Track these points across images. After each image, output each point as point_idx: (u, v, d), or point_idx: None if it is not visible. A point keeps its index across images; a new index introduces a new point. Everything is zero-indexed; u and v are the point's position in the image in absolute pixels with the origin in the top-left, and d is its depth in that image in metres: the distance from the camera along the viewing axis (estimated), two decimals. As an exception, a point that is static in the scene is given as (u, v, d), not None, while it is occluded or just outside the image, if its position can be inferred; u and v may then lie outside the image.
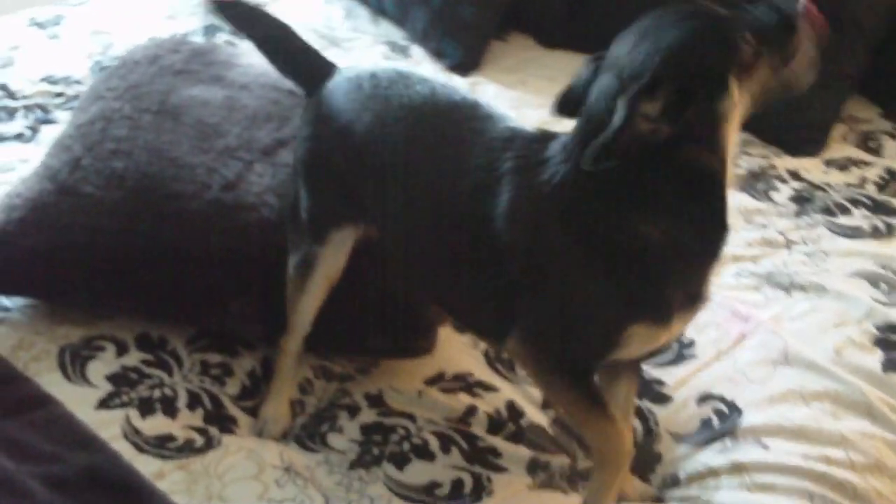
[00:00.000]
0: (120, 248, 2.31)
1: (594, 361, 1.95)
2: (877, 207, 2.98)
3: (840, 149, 3.25)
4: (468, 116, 2.04)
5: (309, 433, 2.23)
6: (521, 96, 3.25)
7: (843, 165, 3.17)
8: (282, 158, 2.41)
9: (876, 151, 3.24)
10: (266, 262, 2.28)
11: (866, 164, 3.18)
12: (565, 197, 1.83)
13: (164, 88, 2.56)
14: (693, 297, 1.88)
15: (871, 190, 3.06)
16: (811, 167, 3.14)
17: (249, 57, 2.70)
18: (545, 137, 1.93)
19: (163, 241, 2.31)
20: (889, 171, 3.13)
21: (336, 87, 2.20)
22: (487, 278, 1.95)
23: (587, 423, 1.98)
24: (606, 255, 1.82)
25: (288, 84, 2.48)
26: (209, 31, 3.43)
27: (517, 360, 2.16)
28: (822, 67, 3.08)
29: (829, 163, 3.18)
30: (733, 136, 1.80)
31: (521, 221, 1.88)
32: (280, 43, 2.34)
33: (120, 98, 2.54)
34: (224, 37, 3.38)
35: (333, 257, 2.21)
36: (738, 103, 1.78)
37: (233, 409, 2.26)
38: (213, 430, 2.20)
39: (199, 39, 3.30)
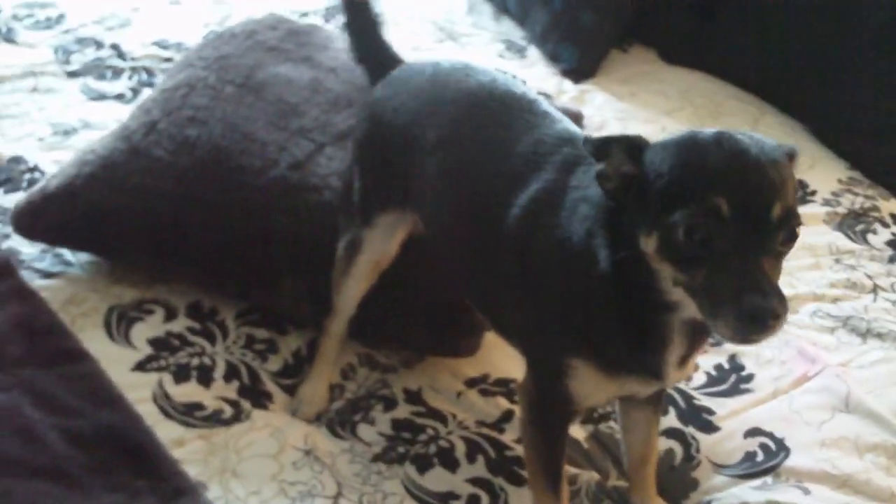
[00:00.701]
0: (182, 213, 2.34)
1: (562, 403, 1.87)
2: None
3: None
4: (525, 109, 1.99)
5: (341, 420, 2.22)
6: (628, 108, 3.20)
7: None
8: (354, 144, 2.40)
9: None
10: (323, 243, 2.27)
11: None
12: (567, 211, 1.77)
13: (253, 63, 2.58)
14: (645, 366, 1.79)
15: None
16: None
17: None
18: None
19: (224, 212, 2.33)
20: None
21: (398, 73, 2.21)
22: (500, 277, 1.91)
23: (535, 488, 1.98)
24: (566, 284, 1.77)
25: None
26: (329, 13, 3.44)
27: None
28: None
29: None
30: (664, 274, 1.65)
31: (528, 219, 1.83)
32: (363, 31, 2.34)
33: (208, 68, 2.57)
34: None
35: (381, 241, 2.19)
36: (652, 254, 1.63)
37: (270, 385, 2.27)
38: (246, 404, 2.21)
39: (317, 20, 3.32)
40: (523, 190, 1.84)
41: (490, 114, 1.99)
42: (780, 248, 1.57)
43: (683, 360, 1.81)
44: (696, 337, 1.77)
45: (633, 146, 1.64)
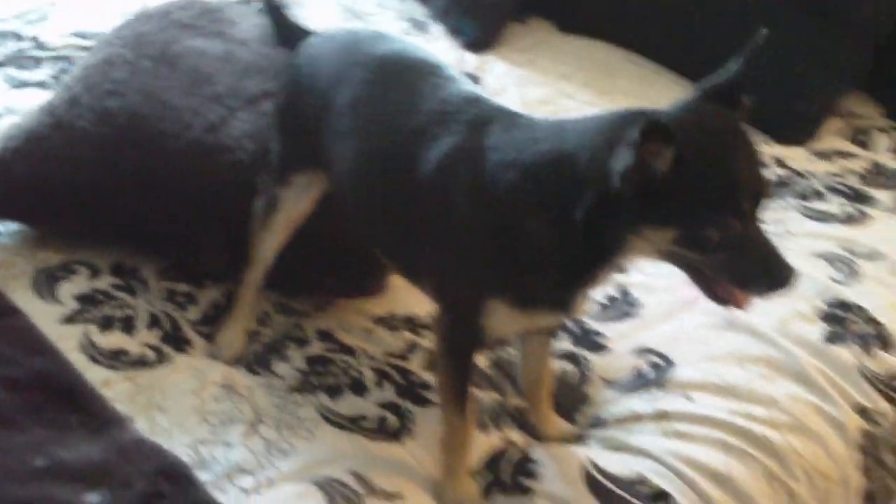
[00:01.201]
0: (103, 179, 2.48)
1: (475, 337, 2.06)
2: (855, 196, 3.07)
3: (830, 141, 3.33)
4: (432, 73, 2.14)
5: (258, 360, 2.38)
6: (526, 75, 3.37)
7: (829, 156, 3.25)
8: (265, 108, 2.54)
9: (865, 145, 3.32)
10: (237, 199, 2.43)
11: (853, 156, 3.26)
12: (490, 170, 1.94)
13: (168, 38, 2.72)
14: (559, 303, 2.01)
15: (852, 180, 3.14)
16: (797, 156, 3.22)
17: (255, 18, 2.86)
18: (510, 112, 2.04)
19: (143, 174, 2.47)
20: (874, 164, 3.21)
21: (315, 41, 2.38)
22: (412, 227, 2.09)
23: (446, 409, 2.15)
24: (493, 230, 1.95)
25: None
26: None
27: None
28: (821, 63, 3.22)
29: (815, 153, 3.26)
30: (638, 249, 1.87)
31: (445, 172, 1.99)
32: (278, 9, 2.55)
33: (126, 45, 2.70)
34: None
35: (295, 200, 2.34)
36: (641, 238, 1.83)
37: (190, 333, 2.42)
38: (168, 349, 2.36)
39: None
40: (435, 145, 2.01)
41: (398, 76, 2.15)
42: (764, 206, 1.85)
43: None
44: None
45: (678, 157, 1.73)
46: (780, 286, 1.81)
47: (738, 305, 1.88)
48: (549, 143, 1.91)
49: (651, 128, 1.68)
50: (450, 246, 2.02)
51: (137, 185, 2.48)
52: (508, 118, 2.00)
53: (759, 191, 1.81)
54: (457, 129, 2.00)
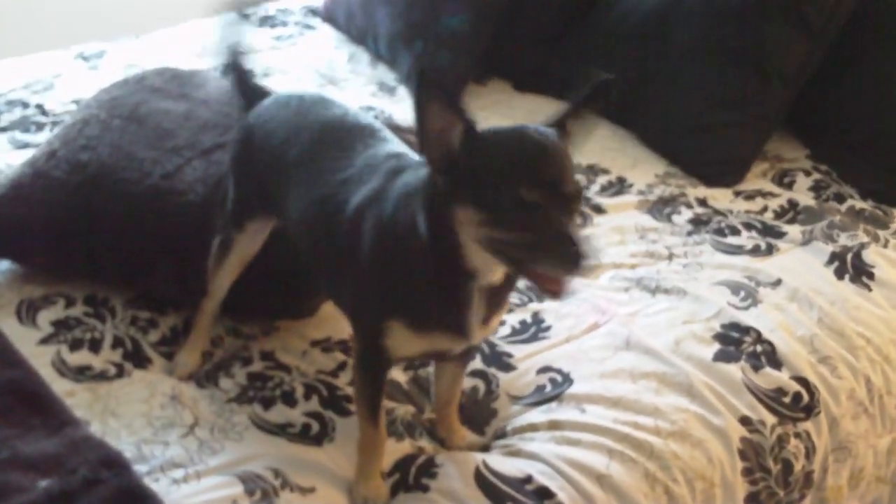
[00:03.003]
0: (75, 221, 2.85)
1: (381, 357, 2.36)
2: (766, 231, 3.29)
3: (755, 182, 3.54)
4: (368, 135, 2.47)
5: (207, 376, 2.71)
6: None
7: (751, 196, 3.45)
8: (217, 157, 2.91)
9: (788, 186, 3.52)
10: (188, 236, 2.79)
11: (774, 195, 3.46)
12: (388, 208, 2.23)
13: (138, 100, 3.11)
14: (455, 327, 2.28)
15: (768, 217, 3.36)
16: (721, 196, 3.45)
17: (220, 81, 3.23)
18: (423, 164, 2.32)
19: (109, 216, 2.85)
20: (790, 202, 3.43)
21: (268, 103, 2.69)
22: (337, 262, 2.40)
23: (361, 419, 2.45)
24: (388, 260, 2.25)
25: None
26: (227, 70, 3.97)
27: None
28: (748, 110, 3.51)
29: (738, 193, 3.47)
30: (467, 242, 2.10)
31: (359, 213, 2.29)
32: (238, 68, 2.87)
33: (101, 107, 3.09)
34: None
35: (248, 242, 2.69)
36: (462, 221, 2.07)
37: (150, 352, 2.76)
38: (129, 366, 2.70)
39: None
40: (358, 191, 2.33)
41: (337, 138, 2.47)
42: (573, 207, 2.05)
43: (486, 320, 2.30)
44: (494, 300, 2.28)
45: (467, 131, 2.02)
46: (570, 259, 1.98)
47: (555, 292, 2.07)
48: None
49: (423, 69, 1.98)
50: (359, 276, 2.32)
51: (104, 226, 2.85)
52: (421, 167, 2.26)
53: (564, 186, 2.02)
54: (376, 178, 2.32)
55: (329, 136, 2.49)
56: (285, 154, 2.51)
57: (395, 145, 2.46)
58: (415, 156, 2.38)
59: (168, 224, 2.83)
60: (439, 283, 2.21)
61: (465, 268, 2.16)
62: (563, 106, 2.17)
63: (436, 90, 2.01)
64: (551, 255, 2.00)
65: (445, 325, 2.28)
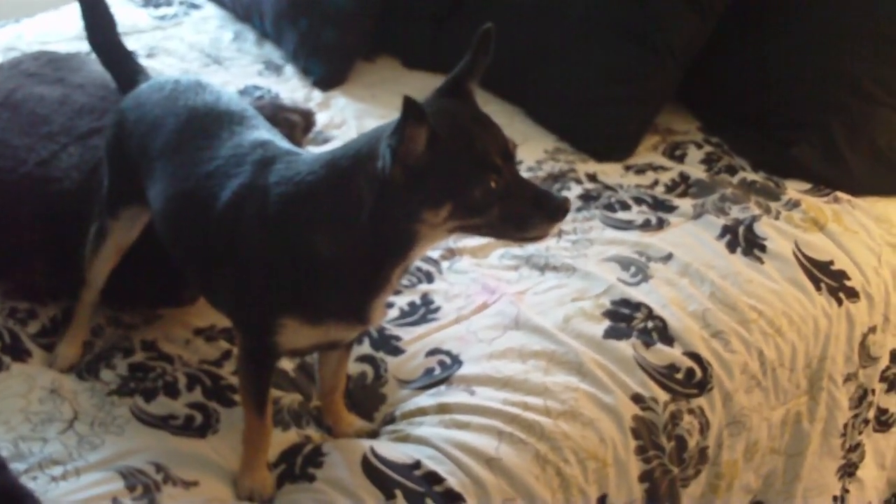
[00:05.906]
0: (-53, 213, 2.77)
1: (270, 352, 2.34)
2: (657, 205, 3.26)
3: (646, 156, 3.50)
4: (236, 122, 2.42)
5: (88, 368, 2.65)
6: (367, 108, 3.65)
7: (642, 170, 3.42)
8: (94, 142, 2.82)
9: (679, 159, 3.49)
10: (65, 224, 2.72)
11: (665, 169, 3.43)
12: (273, 203, 2.20)
13: (12, 86, 3.01)
14: (353, 315, 2.27)
15: (658, 191, 3.33)
16: (610, 171, 3.41)
17: (97, 64, 3.14)
18: (293, 152, 2.31)
19: (-18, 207, 2.76)
20: (682, 175, 3.41)
21: (143, 88, 2.63)
22: (210, 258, 2.35)
23: (246, 409, 2.41)
24: (279, 255, 2.21)
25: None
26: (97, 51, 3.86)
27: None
28: (638, 84, 3.49)
29: (628, 167, 3.44)
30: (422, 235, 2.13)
31: (234, 209, 2.25)
32: (112, 49, 2.82)
33: (-24, 95, 3.01)
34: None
35: (123, 230, 2.62)
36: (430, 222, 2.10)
37: (29, 344, 2.69)
38: (7, 359, 2.63)
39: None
40: (227, 185, 2.28)
41: (203, 126, 2.41)
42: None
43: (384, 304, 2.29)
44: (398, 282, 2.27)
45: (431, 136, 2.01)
46: (557, 214, 2.11)
47: (541, 238, 2.18)
48: (326, 165, 2.18)
49: (410, 104, 1.95)
50: (240, 273, 2.27)
51: (-24, 216, 2.76)
52: (291, 156, 2.27)
53: (506, 147, 2.11)
54: (244, 171, 2.27)
55: (195, 124, 2.43)
56: (151, 142, 2.46)
57: (263, 132, 2.41)
58: (282, 142, 2.36)
59: (44, 213, 2.75)
60: (356, 274, 2.19)
61: (406, 253, 2.17)
62: (456, 68, 2.18)
63: (421, 119, 1.98)
64: (535, 216, 2.09)
65: (344, 313, 2.26)
